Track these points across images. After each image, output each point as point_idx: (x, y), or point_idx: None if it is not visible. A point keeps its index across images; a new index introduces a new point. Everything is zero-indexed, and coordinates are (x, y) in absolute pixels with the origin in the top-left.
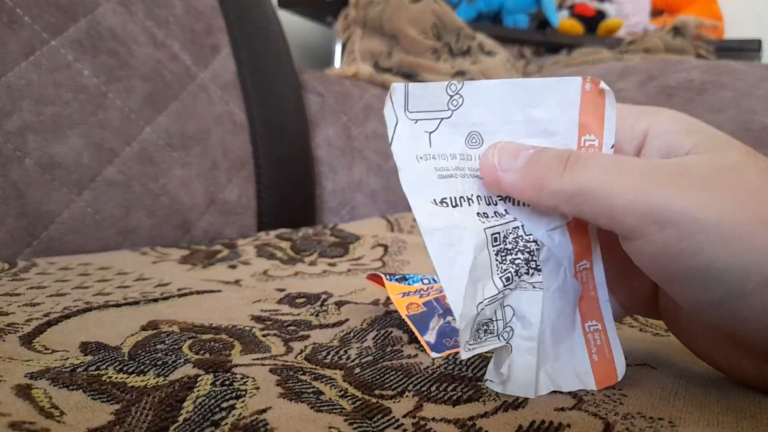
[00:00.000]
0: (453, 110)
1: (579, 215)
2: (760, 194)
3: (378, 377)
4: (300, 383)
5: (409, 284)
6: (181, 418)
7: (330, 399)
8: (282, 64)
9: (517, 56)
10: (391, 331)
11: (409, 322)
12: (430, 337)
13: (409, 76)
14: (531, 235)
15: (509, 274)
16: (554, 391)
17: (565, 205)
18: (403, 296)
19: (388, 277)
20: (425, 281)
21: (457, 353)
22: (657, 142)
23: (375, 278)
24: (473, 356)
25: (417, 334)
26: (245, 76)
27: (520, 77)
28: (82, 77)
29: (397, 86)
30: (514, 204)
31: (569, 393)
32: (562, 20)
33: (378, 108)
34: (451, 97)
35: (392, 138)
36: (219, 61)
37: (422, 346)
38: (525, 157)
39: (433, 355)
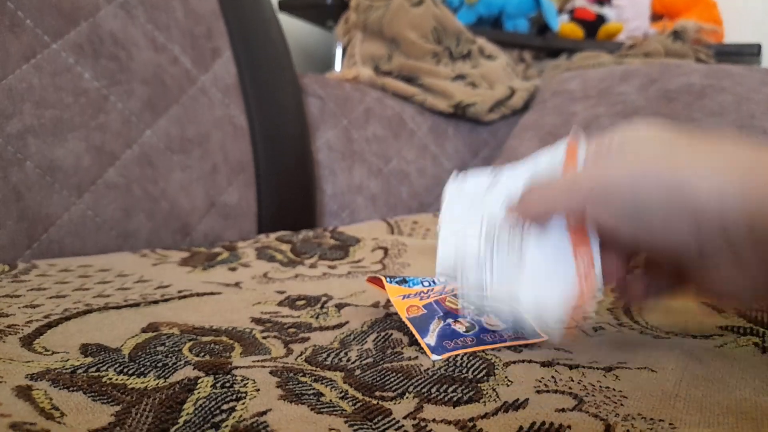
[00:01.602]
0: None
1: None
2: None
3: (378, 379)
4: (300, 385)
5: (409, 287)
6: (181, 420)
7: (330, 401)
8: (282, 68)
9: (517, 60)
10: (391, 334)
11: (409, 324)
12: (431, 339)
13: (410, 79)
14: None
15: None
16: (554, 391)
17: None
18: (403, 299)
19: (388, 279)
20: (425, 284)
21: (457, 355)
22: None
23: (375, 281)
24: (474, 359)
25: (417, 336)
26: (246, 79)
27: (520, 81)
28: (82, 81)
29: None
30: None
31: (570, 394)
32: (562, 24)
33: (378, 112)
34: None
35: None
36: (219, 64)
37: (422, 348)
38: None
39: (434, 357)
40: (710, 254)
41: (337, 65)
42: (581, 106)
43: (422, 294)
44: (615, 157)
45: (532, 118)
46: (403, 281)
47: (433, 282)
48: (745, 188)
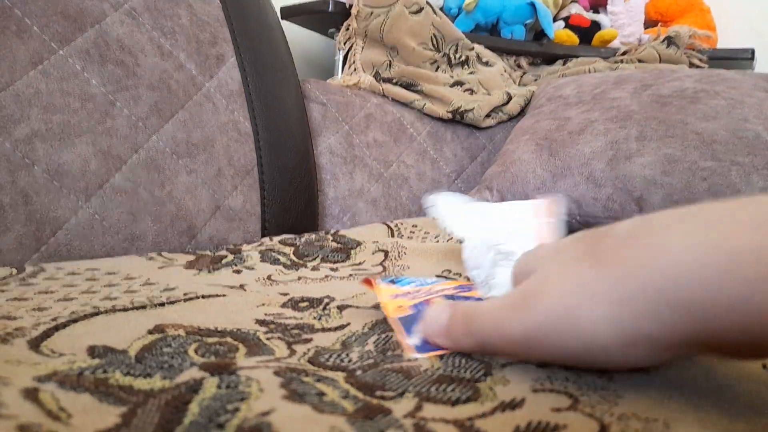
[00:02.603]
0: None
1: None
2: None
3: (379, 379)
4: (303, 385)
5: (399, 286)
6: (186, 421)
7: (332, 400)
8: (285, 74)
9: (514, 66)
10: (392, 336)
11: (393, 324)
12: (416, 339)
13: (409, 86)
14: None
15: None
16: (551, 391)
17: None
18: (393, 298)
19: (379, 280)
20: (416, 284)
21: (440, 356)
22: None
23: (369, 282)
24: (472, 360)
25: (398, 336)
26: (250, 85)
27: (517, 87)
28: (89, 86)
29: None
30: None
31: (565, 394)
32: (557, 31)
33: (378, 117)
34: None
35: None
36: (224, 70)
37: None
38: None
39: (415, 355)
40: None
41: (339, 72)
42: (576, 111)
43: (411, 294)
44: (531, 296)
45: (528, 123)
46: (393, 282)
47: (425, 282)
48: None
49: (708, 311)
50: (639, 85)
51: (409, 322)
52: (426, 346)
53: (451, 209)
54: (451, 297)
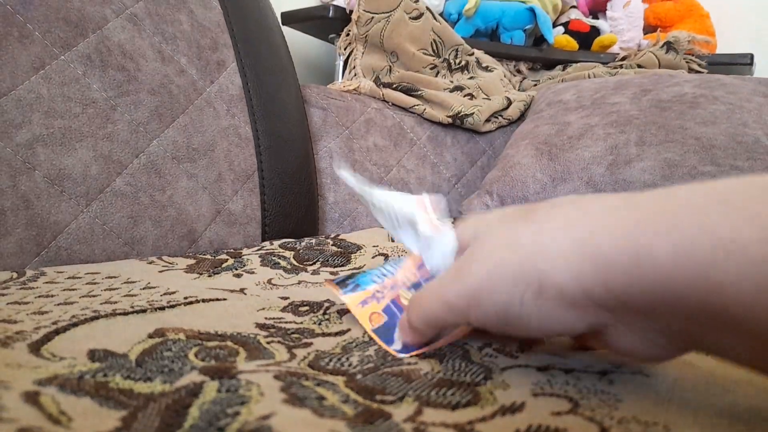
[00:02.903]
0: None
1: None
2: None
3: (379, 383)
4: (303, 389)
5: (363, 289)
6: (187, 424)
7: (332, 404)
8: (286, 79)
9: (514, 72)
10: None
11: (375, 338)
12: (397, 345)
13: (409, 90)
14: None
15: None
16: (551, 395)
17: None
18: (362, 305)
19: (342, 289)
20: (377, 278)
21: (424, 353)
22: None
23: (330, 284)
24: (472, 364)
25: (385, 347)
26: (250, 90)
27: (517, 92)
28: (91, 91)
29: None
30: None
31: (565, 397)
32: (557, 36)
33: (378, 122)
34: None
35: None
36: (225, 76)
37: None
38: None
39: (401, 354)
40: (592, 328)
41: (339, 77)
42: (575, 116)
43: (378, 294)
44: (471, 257)
45: (527, 128)
46: (356, 285)
47: (382, 273)
48: (600, 258)
49: (614, 263)
50: (638, 91)
51: (387, 331)
52: (408, 348)
53: (358, 182)
54: (417, 284)
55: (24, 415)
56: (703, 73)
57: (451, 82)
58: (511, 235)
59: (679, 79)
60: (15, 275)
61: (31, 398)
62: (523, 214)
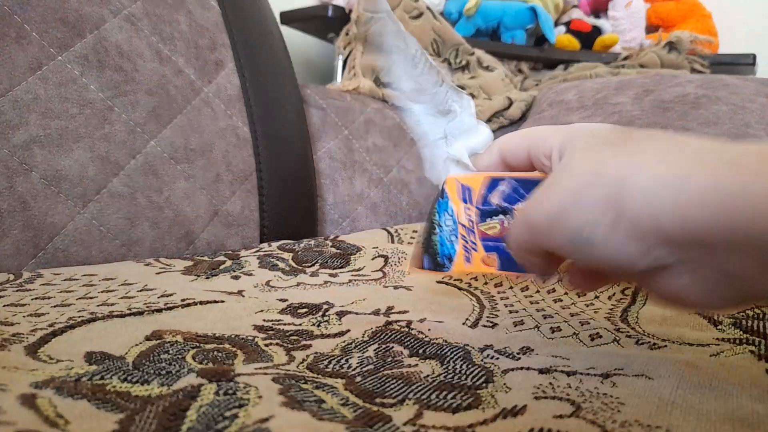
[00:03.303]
0: None
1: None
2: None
3: (379, 386)
4: (302, 392)
5: (455, 251)
6: (184, 428)
7: (331, 407)
8: (285, 79)
9: (515, 71)
10: (392, 347)
11: (506, 274)
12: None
13: None
14: None
15: None
16: (553, 398)
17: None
18: (467, 262)
19: (439, 269)
20: (452, 237)
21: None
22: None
23: (417, 267)
24: (473, 366)
25: (521, 277)
26: (249, 90)
27: (518, 91)
28: (88, 92)
29: None
30: None
31: (567, 400)
32: (558, 36)
33: (378, 122)
34: None
35: None
36: (223, 76)
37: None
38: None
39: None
40: (653, 266)
41: (338, 77)
42: (577, 116)
43: (468, 246)
44: (556, 179)
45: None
46: (447, 256)
47: (448, 230)
48: (684, 194)
49: (700, 200)
50: (640, 91)
51: (509, 262)
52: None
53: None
54: (486, 211)
55: (21, 418)
56: (705, 73)
57: (452, 81)
58: (598, 161)
59: (682, 79)
60: (11, 277)
61: (28, 401)
62: (615, 138)
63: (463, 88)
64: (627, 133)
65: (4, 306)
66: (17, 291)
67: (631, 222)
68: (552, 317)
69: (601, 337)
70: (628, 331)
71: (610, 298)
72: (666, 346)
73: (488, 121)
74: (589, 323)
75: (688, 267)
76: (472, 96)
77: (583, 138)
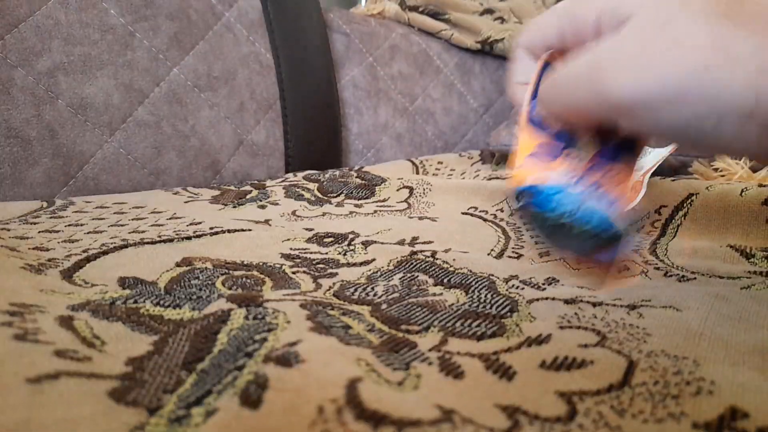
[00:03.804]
0: None
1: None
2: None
3: (404, 313)
4: (329, 318)
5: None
6: (216, 350)
7: (358, 333)
8: (307, 3)
9: None
10: (417, 275)
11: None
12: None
13: (436, 14)
14: None
15: None
16: (578, 328)
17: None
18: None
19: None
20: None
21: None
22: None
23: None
24: (497, 296)
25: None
26: (270, 15)
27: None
28: (108, 17)
29: None
30: None
31: (593, 330)
32: None
33: (404, 48)
34: None
35: None
36: None
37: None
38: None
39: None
40: (729, 141)
41: (363, 0)
42: None
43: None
44: (649, 49)
45: None
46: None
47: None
48: None
49: None
50: None
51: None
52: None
53: None
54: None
55: (60, 338)
56: None
57: (481, 4)
58: (720, 38)
59: None
60: (45, 204)
61: (66, 322)
62: (727, 7)
63: (492, 11)
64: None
65: (39, 232)
66: (51, 218)
67: (727, 114)
68: None
69: (628, 269)
70: (656, 264)
71: (638, 231)
72: (695, 278)
73: None
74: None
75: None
76: (502, 20)
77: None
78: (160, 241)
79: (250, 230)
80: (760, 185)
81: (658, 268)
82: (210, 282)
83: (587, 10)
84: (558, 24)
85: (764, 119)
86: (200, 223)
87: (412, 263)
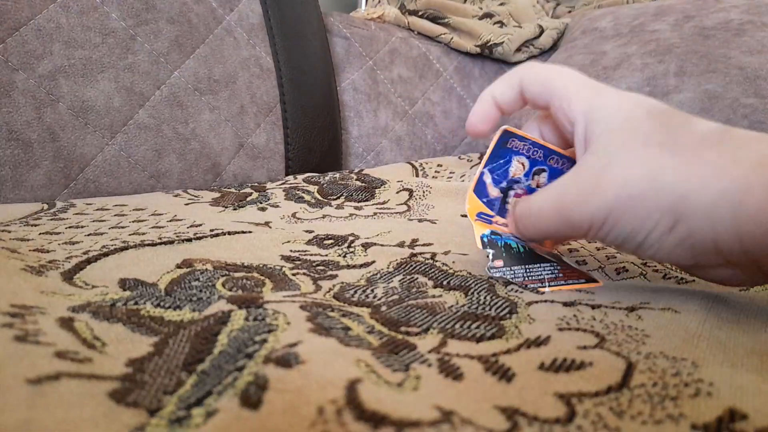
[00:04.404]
0: None
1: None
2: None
3: (404, 315)
4: (329, 319)
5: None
6: (216, 351)
7: (358, 335)
8: (307, 7)
9: None
10: (417, 278)
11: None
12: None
13: (436, 18)
14: None
15: None
16: (577, 330)
17: None
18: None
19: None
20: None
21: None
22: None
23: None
24: (497, 298)
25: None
26: (271, 19)
27: (550, 19)
28: (109, 20)
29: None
30: None
31: (591, 332)
32: None
33: (403, 52)
34: None
35: None
36: (244, 3)
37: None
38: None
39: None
40: (700, 265)
41: (363, 4)
42: (612, 44)
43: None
44: (597, 178)
45: (560, 58)
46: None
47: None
48: (742, 211)
49: (760, 224)
50: (681, 17)
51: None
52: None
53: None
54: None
55: (60, 339)
56: None
57: (480, 8)
58: (654, 169)
59: (726, 4)
60: (45, 206)
61: (66, 324)
62: (664, 138)
63: (491, 15)
64: (674, 130)
65: (39, 234)
66: (51, 220)
67: (688, 231)
68: (577, 251)
69: (627, 271)
70: (655, 266)
71: None
72: (694, 281)
73: (518, 50)
74: (615, 257)
75: (734, 268)
76: (501, 24)
77: (619, 125)
78: (160, 243)
79: (250, 232)
80: None
81: (656, 270)
82: (210, 283)
83: (568, 108)
84: (546, 94)
85: (681, 236)
86: (201, 225)
87: (411, 265)
